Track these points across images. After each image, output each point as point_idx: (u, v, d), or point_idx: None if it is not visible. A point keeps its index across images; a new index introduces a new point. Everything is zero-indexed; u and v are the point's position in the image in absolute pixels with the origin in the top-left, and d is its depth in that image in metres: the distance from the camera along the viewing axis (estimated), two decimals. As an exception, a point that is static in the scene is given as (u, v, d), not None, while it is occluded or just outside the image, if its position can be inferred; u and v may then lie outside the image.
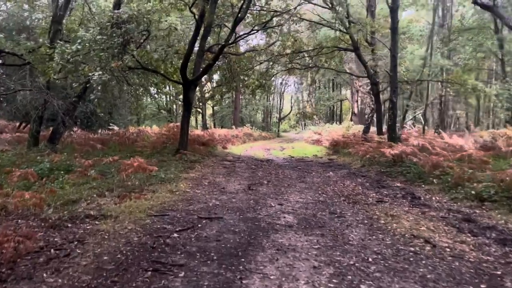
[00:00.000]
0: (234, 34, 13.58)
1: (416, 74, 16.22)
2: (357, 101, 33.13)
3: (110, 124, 23.88)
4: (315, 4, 19.42)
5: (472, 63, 18.45)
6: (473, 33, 20.11)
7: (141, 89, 19.14)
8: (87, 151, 12.95)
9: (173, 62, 14.05)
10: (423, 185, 9.30)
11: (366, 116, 21.40)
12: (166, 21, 12.84)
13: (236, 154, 18.66)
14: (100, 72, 8.92)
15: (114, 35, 9.57)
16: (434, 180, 9.24)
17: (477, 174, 8.04)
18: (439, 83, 18.34)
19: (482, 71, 21.59)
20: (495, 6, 7.67)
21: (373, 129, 21.69)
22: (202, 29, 13.40)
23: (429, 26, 25.90)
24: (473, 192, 7.21)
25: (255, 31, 14.90)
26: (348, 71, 24.74)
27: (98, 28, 10.02)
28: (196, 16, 11.58)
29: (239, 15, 12.08)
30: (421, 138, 13.63)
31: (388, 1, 13.72)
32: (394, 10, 13.34)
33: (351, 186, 9.65)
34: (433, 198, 7.72)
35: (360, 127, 26.07)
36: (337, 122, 40.71)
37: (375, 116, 19.91)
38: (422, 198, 7.75)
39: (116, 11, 10.48)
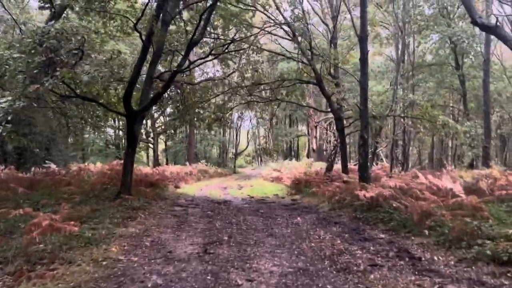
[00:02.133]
0: (188, 61, 11.97)
1: (384, 109, 15.30)
2: (315, 137, 32.28)
3: (47, 161, 21.06)
4: (275, 35, 18.38)
5: (436, 99, 17.97)
6: (433, 70, 19.82)
7: (82, 122, 16.94)
8: (4, 196, 10.54)
9: (117, 91, 12.14)
10: (413, 237, 7.81)
11: (329, 152, 20.19)
12: (116, 45, 11.13)
13: (190, 195, 16.65)
14: (10, 98, 6.90)
15: (33, 52, 7.62)
16: (425, 232, 7.79)
17: (478, 226, 6.65)
18: (404, 119, 17.60)
19: (445, 108, 21.41)
20: (497, 27, 6.57)
21: (336, 166, 20.54)
22: (152, 54, 11.70)
23: (387, 62, 25.77)
24: (487, 252, 5.76)
25: (212, 57, 13.40)
26: (311, 105, 23.76)
27: (18, 45, 8.05)
28: (143, 36, 9.91)
29: (194, 37, 10.52)
30: (396, 179, 12.38)
31: (357, 30, 12.73)
32: (363, 39, 12.33)
33: (328, 238, 8.01)
34: (435, 259, 6.20)
35: (322, 164, 24.92)
36: (295, 159, 39.67)
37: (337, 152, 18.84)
38: (423, 259, 6.20)
39: (43, 25, 8.58)
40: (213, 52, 12.71)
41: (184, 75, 14.31)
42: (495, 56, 20.78)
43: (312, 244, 7.28)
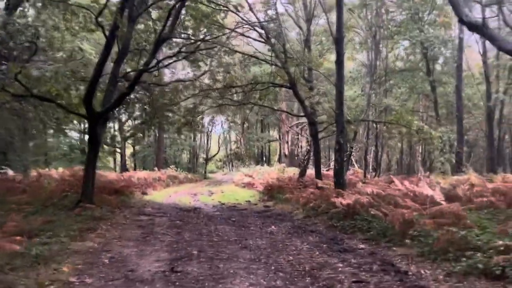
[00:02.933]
0: (156, 60, 11.24)
1: (359, 114, 15.03)
2: (287, 142, 31.95)
3: (3, 167, 19.60)
4: (248, 37, 17.88)
5: (409, 104, 17.92)
6: (405, 75, 19.84)
7: (41, 125, 15.84)
8: None
9: (78, 91, 11.27)
10: (394, 248, 7.40)
11: (301, 158, 19.81)
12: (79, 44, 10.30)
13: (157, 203, 15.84)
14: None
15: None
16: (408, 241, 7.39)
17: (465, 236, 6.28)
18: (377, 124, 17.44)
19: (414, 114, 21.53)
20: (484, 26, 6.27)
21: (309, 172, 20.17)
22: (118, 52, 10.91)
23: (359, 68, 25.75)
24: (479, 265, 5.36)
25: (181, 57, 12.71)
26: (284, 109, 23.34)
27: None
28: (106, 31, 9.13)
29: (162, 34, 9.83)
30: (372, 185, 12.04)
31: (333, 32, 12.37)
32: (339, 41, 11.99)
33: (305, 250, 7.49)
34: (423, 272, 5.76)
35: (294, 170, 24.55)
36: (266, 164, 39.22)
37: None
38: (410, 273, 5.75)
39: (-9, 16, 7.70)
40: (182, 50, 12.00)
41: (152, 75, 13.54)
42: (464, 64, 21.03)
43: (290, 257, 6.72)
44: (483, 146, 29.46)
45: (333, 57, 23.41)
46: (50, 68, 8.34)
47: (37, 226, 7.27)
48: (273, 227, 10.43)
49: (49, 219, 7.99)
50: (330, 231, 9.68)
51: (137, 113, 17.97)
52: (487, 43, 16.97)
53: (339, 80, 12.00)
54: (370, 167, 19.80)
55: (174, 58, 12.62)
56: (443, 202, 8.15)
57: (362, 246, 7.91)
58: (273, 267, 5.84)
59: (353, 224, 9.59)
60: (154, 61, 11.06)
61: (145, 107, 15.53)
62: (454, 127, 17.33)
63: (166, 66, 14.29)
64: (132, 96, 14.00)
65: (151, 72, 12.45)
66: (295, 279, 5.33)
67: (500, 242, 5.75)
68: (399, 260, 6.61)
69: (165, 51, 16.00)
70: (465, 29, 16.45)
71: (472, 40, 18.96)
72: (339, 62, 12.02)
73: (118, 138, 25.95)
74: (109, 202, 11.69)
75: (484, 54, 18.24)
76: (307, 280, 5.32)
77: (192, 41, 14.00)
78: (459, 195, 10.08)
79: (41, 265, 5.09)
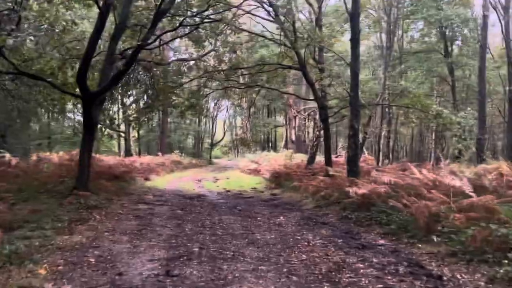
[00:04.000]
0: (156, 35, 10.35)
1: (374, 97, 14.11)
2: (294, 127, 31.07)
3: (1, 150, 18.95)
4: (254, 15, 16.86)
5: (425, 88, 16.92)
6: (421, 57, 18.77)
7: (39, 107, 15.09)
8: None
9: (74, 70, 10.46)
10: (419, 245, 6.60)
11: (310, 144, 18.96)
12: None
13: (159, 189, 15.17)
14: None
15: None
16: (434, 238, 6.58)
17: (505, 234, 5.45)
18: (392, 108, 16.50)
19: (431, 98, 20.55)
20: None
21: (317, 158, 19.36)
22: (115, 27, 10.04)
23: (370, 50, 24.64)
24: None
25: (185, 32, 11.78)
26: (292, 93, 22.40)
27: None
28: (100, 2, 8.26)
29: (162, 6, 8.94)
30: (388, 173, 11.18)
31: (348, 7, 11.40)
32: (355, 16, 11.04)
33: (319, 245, 6.72)
34: (459, 277, 4.96)
35: (302, 156, 23.73)
36: (273, 150, 38.40)
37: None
38: (444, 278, 4.95)
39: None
40: (183, 23, 11.08)
41: (154, 54, 12.67)
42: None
43: (303, 255, 5.94)
44: (497, 132, 28.40)
45: (343, 38, 22.45)
46: (36, 40, 7.51)
47: (22, 216, 6.56)
48: (281, 218, 9.68)
49: (37, 208, 7.25)
50: (344, 224, 8.91)
51: (139, 95, 17.10)
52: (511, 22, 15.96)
53: (354, 60, 11.08)
54: (382, 154, 18.92)
55: (175, 34, 11.67)
56: (472, 194, 7.30)
57: (382, 241, 7.12)
58: (285, 269, 5.06)
59: (369, 216, 8.80)
60: (157, 40, 10.16)
61: (147, 89, 14.66)
62: (474, 112, 16.36)
63: (166, 43, 13.39)
64: (132, 76, 13.16)
65: (151, 50, 11.58)
66: (312, 285, 4.55)
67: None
68: (428, 260, 5.82)
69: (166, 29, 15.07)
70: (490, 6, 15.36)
71: (494, 19, 17.89)
72: (355, 40, 11.09)
73: (117, 121, 25.10)
74: (107, 189, 10.97)
75: (507, 34, 17.16)
76: (325, 287, 4.54)
77: (195, 17, 13.07)
78: (485, 185, 9.18)
79: (15, 266, 4.35)
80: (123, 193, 11.76)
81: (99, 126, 12.16)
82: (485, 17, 16.15)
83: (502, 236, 5.38)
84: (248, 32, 15.64)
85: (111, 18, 10.45)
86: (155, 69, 13.64)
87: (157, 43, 11.42)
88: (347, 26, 24.09)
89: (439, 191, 8.41)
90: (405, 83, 14.35)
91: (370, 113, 15.20)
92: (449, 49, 18.80)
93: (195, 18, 12.10)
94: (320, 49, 15.99)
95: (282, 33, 15.21)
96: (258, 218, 9.47)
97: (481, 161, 12.95)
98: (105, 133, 14.32)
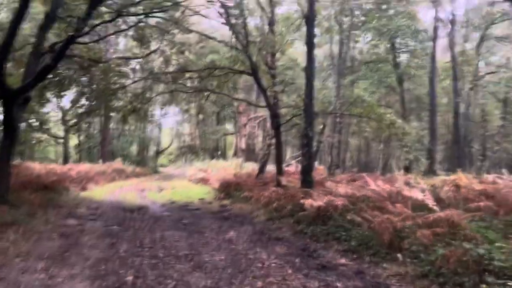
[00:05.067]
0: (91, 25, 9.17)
1: (326, 106, 13.70)
2: (245, 135, 30.38)
3: None
4: (205, 16, 16.00)
5: (375, 97, 16.87)
6: (371, 67, 18.82)
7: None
8: None
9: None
10: (384, 264, 6.01)
11: (262, 153, 18.29)
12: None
13: (96, 201, 13.74)
14: None
15: None
16: (399, 256, 6.02)
17: (480, 254, 4.95)
18: (342, 117, 16.23)
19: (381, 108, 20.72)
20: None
21: (268, 168, 18.72)
22: (44, 16, 8.75)
23: (319, 60, 24.54)
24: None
25: (126, 27, 10.65)
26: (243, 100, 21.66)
27: None
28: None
29: (99, -7, 7.87)
30: (343, 184, 10.70)
31: (304, 10, 10.87)
32: (310, 20, 10.51)
33: (275, 266, 5.94)
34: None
35: (252, 165, 23.03)
36: (222, 158, 37.43)
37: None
38: (420, 307, 4.33)
39: None
40: (122, 13, 9.95)
41: (92, 52, 11.40)
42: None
43: (258, 282, 5.11)
44: (439, 144, 29.33)
45: (295, 46, 22.15)
46: None
47: None
48: (232, 232, 8.82)
49: None
50: (299, 239, 8.20)
51: (75, 97, 15.56)
52: (457, 36, 16.44)
53: (309, 64, 10.53)
54: (334, 164, 18.65)
55: (115, 29, 10.52)
56: (436, 208, 6.87)
57: (343, 261, 6.46)
58: (239, 303, 4.20)
59: (326, 231, 8.16)
60: (92, 32, 8.97)
61: (84, 90, 13.27)
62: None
63: (105, 37, 12.15)
64: (65, 74, 11.77)
65: (88, 46, 10.34)
66: (271, 325, 3.72)
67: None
68: (397, 284, 5.21)
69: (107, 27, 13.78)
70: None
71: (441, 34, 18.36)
72: (310, 44, 10.57)
73: (50, 125, 23.08)
74: (31, 202, 9.53)
75: (452, 48, 17.66)
76: (288, 326, 3.73)
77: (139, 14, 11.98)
78: (442, 198, 8.90)
79: None
80: (51, 205, 10.31)
81: (25, 129, 10.63)
82: (436, 28, 16.48)
83: (478, 257, 4.87)
84: (197, 33, 14.73)
85: (41, 7, 9.18)
86: (93, 68, 12.32)
87: (95, 38, 10.18)
88: (297, 35, 24.00)
89: (400, 204, 7.97)
90: (358, 91, 14.15)
91: (324, 121, 14.79)
92: (398, 60, 19.08)
93: (138, 12, 11.02)
94: (273, 55, 15.43)
95: (234, 36, 14.47)
96: (206, 234, 8.55)
97: (432, 171, 12.87)
98: (32, 137, 12.67)
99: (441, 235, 6.07)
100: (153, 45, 14.54)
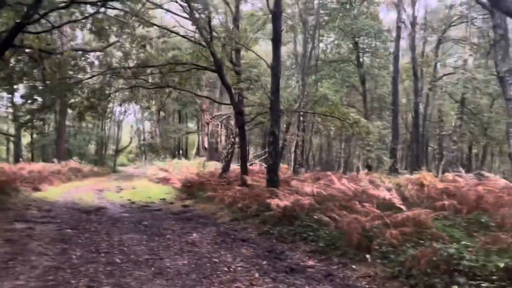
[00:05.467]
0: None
1: (292, 104, 13.56)
2: (207, 134, 29.91)
3: None
4: (167, 10, 15.46)
5: (339, 96, 16.94)
6: (334, 66, 18.94)
7: None
8: None
9: None
10: (353, 265, 5.87)
11: (225, 152, 17.98)
12: None
13: (49, 202, 12.97)
14: None
15: None
16: (367, 257, 5.90)
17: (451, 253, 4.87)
18: (306, 115, 16.17)
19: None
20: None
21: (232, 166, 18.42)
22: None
23: (283, 59, 24.48)
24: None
25: (82, 16, 10.00)
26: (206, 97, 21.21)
27: None
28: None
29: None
30: (309, 183, 10.57)
31: (270, 5, 10.65)
32: (277, 16, 10.30)
33: (241, 270, 5.68)
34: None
35: (216, 164, 22.65)
36: (184, 157, 36.73)
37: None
38: (394, 311, 4.18)
39: None
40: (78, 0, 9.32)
41: (44, 42, 10.65)
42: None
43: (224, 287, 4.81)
44: (402, 143, 30.01)
45: (260, 43, 21.97)
46: None
47: None
48: (195, 234, 8.47)
49: None
50: (265, 240, 7.98)
51: (27, 92, 14.59)
52: (417, 37, 16.84)
53: (275, 61, 10.31)
54: (297, 163, 18.59)
55: (70, 18, 9.86)
56: (403, 207, 6.82)
57: (311, 262, 6.28)
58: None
59: (293, 231, 7.98)
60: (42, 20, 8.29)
61: (36, 84, 12.42)
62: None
63: (59, 26, 11.39)
64: (17, 68, 10.95)
65: (38, 35, 9.61)
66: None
67: (501, 265, 4.42)
68: (367, 286, 5.07)
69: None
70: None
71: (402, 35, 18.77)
72: (276, 40, 10.36)
73: None
74: (-26, 204, 8.75)
75: (413, 49, 18.06)
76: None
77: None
78: (407, 197, 8.93)
79: None
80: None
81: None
82: (398, 28, 16.79)
83: (448, 256, 4.79)
84: (159, 27, 14.17)
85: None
86: (46, 60, 11.54)
87: (47, 27, 9.48)
88: (261, 34, 23.81)
89: (369, 204, 7.88)
90: (323, 90, 14.15)
91: (289, 119, 14.65)
92: (361, 60, 19.32)
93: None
94: (237, 51, 15.15)
95: (197, 31, 14.04)
96: (168, 236, 8.16)
97: (394, 170, 13.04)
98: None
99: (408, 235, 6.02)
100: (113, 39, 13.86)
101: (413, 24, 18.56)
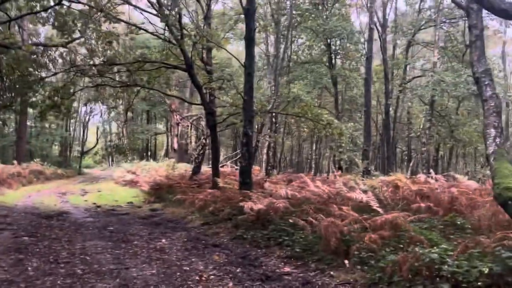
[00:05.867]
0: None
1: (265, 104, 13.30)
2: (177, 135, 29.27)
3: None
4: (135, 7, 14.92)
5: (312, 97, 16.82)
6: (306, 68, 18.86)
7: None
8: None
9: None
10: (331, 272, 5.63)
11: (196, 153, 17.55)
12: None
13: (7, 206, 12.28)
14: None
15: None
16: (346, 263, 5.68)
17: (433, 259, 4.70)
18: (275, 118, 15.99)
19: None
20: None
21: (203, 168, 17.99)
22: None
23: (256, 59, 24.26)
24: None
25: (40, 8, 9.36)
26: (175, 99, 20.68)
27: None
28: None
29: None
30: (283, 185, 10.33)
31: (243, 2, 10.35)
32: (250, 13, 10.01)
33: (214, 279, 5.35)
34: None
35: (186, 166, 22.11)
36: (152, 159, 35.86)
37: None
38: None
39: None
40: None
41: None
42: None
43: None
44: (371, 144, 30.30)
45: (229, 47, 21.61)
46: None
47: None
48: (164, 240, 8.07)
49: None
50: (239, 245, 7.67)
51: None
52: (388, 39, 17.01)
53: (249, 60, 10.02)
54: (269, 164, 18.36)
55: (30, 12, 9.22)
56: (380, 210, 6.66)
57: (287, 269, 6.01)
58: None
59: (267, 236, 7.71)
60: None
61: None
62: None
63: (16, 18, 10.69)
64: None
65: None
66: None
67: (486, 270, 4.27)
68: (348, 293, 4.84)
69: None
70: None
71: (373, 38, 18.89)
72: (249, 39, 10.07)
73: None
74: None
75: (384, 51, 18.21)
76: None
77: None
78: (381, 199, 8.81)
79: None
80: None
81: None
82: (371, 30, 16.85)
83: (430, 262, 4.60)
84: (126, 23, 13.59)
85: None
86: (4, 56, 10.79)
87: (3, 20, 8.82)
88: (231, 34, 23.50)
89: (345, 207, 7.69)
90: (296, 91, 13.99)
91: (262, 120, 14.39)
92: (333, 61, 19.33)
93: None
94: (209, 50, 14.79)
95: (167, 29, 13.57)
96: (135, 242, 7.71)
97: (367, 172, 13.00)
98: None
99: (386, 239, 5.85)
100: (77, 36, 13.19)
101: (384, 26, 18.77)
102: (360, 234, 5.93)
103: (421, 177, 10.85)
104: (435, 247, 5.14)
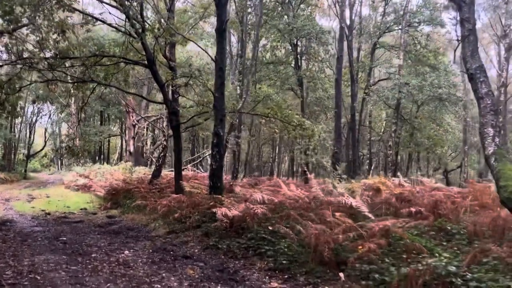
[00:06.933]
0: None
1: (234, 104, 12.58)
2: (133, 137, 27.79)
3: None
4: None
5: (279, 97, 16.30)
6: (273, 68, 18.41)
7: None
8: None
9: None
10: (325, 286, 5.01)
11: (156, 155, 16.51)
12: None
13: None
14: None
15: None
16: (342, 276, 5.08)
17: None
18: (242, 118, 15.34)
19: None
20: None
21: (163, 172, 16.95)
22: None
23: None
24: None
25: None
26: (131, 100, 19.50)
27: None
28: None
29: None
30: (256, 189, 9.67)
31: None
32: (222, 4, 9.31)
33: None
34: None
35: (144, 169, 20.92)
36: (105, 162, 33.99)
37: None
38: None
39: None
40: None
41: None
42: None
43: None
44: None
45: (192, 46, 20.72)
46: None
47: None
48: (126, 252, 7.17)
49: None
50: (213, 256, 6.91)
51: None
52: (353, 41, 16.90)
53: (220, 54, 9.29)
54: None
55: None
56: (370, 216, 6.14)
57: (274, 284, 5.34)
58: None
59: (244, 245, 7.00)
60: None
61: None
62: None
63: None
64: None
65: None
66: None
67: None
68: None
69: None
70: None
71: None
72: (221, 31, 9.36)
73: None
74: None
75: (350, 53, 18.09)
76: None
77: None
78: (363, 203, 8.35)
79: None
80: None
81: None
82: (342, 29, 16.63)
83: (446, 275, 4.07)
84: (82, 12, 12.43)
85: None
86: None
87: None
88: (191, 34, 22.58)
89: (338, 213, 7.10)
90: (266, 89, 13.40)
91: (233, 120, 13.65)
92: (299, 62, 18.98)
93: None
94: (172, 45, 13.89)
95: (127, 21, 12.52)
96: (94, 255, 6.77)
97: (337, 175, 12.64)
98: None
99: (383, 247, 5.32)
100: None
101: (350, 28, 18.69)
102: (353, 243, 5.36)
103: (395, 180, 10.55)
104: (441, 257, 4.68)
